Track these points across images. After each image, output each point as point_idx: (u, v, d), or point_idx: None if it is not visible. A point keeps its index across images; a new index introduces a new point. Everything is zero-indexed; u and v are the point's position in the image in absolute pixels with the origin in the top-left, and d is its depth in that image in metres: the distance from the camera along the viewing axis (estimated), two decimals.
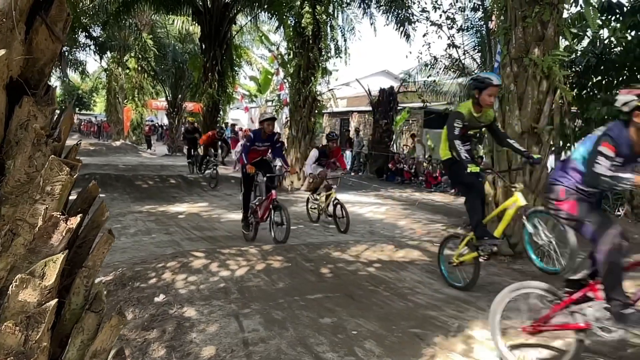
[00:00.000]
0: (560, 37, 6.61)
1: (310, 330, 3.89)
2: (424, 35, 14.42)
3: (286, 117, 15.14)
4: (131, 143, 30.57)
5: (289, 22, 15.06)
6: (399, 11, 15.56)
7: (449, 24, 13.46)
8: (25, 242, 1.47)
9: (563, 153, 11.00)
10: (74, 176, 1.54)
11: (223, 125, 21.02)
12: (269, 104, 21.34)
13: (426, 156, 18.93)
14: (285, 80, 15.65)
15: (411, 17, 15.35)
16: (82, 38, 21.49)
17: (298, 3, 13.78)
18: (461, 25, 14.06)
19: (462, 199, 13.79)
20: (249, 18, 21.33)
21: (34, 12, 1.58)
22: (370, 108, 21.28)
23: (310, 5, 13.19)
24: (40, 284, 1.41)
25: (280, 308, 4.35)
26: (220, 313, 4.18)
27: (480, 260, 5.14)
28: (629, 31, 10.09)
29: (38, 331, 1.41)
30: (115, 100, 32.04)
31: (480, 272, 5.06)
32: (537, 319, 3.36)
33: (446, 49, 14.07)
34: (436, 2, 13.32)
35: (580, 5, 8.11)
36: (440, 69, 16.27)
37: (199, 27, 19.70)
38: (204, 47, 19.32)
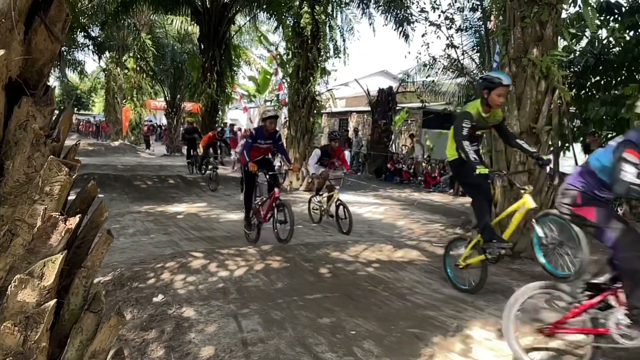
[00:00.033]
0: (559, 38, 6.63)
1: (309, 330, 3.89)
2: (423, 36, 14.53)
3: (285, 118, 15.13)
4: (130, 143, 30.56)
5: (287, 22, 15.07)
6: (398, 11, 15.57)
7: (448, 24, 13.45)
8: (24, 243, 1.47)
9: (562, 153, 11.03)
10: (73, 176, 1.54)
11: (223, 125, 20.99)
12: (268, 104, 21.31)
13: (425, 156, 18.94)
14: (284, 81, 15.65)
15: (410, 18, 15.35)
16: (80, 38, 21.50)
17: (297, 3, 13.78)
18: (460, 26, 14.06)
19: (460, 199, 13.80)
20: (248, 18, 21.37)
21: (33, 13, 1.58)
22: (369, 108, 21.29)
23: (309, 5, 13.19)
24: (39, 284, 1.41)
25: (279, 308, 4.36)
26: (219, 313, 4.18)
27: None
28: (627, 31, 10.11)
29: (37, 331, 1.41)
30: (114, 100, 32.04)
31: (487, 275, 4.96)
32: (553, 321, 3.32)
33: (445, 49, 14.05)
34: (435, 2, 13.33)
35: (579, 6, 8.14)
36: (439, 69, 16.28)
37: (198, 27, 19.73)
38: (202, 47, 19.33)
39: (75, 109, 50.52)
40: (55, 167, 1.48)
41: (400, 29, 15.69)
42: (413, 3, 15.14)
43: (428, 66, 16.41)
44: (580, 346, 3.37)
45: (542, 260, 4.34)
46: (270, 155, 8.01)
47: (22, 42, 1.55)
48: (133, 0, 17.21)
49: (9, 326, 1.37)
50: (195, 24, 20.90)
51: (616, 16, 9.99)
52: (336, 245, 6.80)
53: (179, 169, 17.71)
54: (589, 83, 11.16)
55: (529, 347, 3.47)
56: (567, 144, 11.36)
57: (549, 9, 6.13)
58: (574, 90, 10.49)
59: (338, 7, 15.27)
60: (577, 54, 11.16)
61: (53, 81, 26.05)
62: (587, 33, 10.91)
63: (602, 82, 10.96)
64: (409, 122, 22.78)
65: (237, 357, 3.43)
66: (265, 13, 18.45)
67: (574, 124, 11.87)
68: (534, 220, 4.41)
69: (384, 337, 3.82)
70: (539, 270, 5.70)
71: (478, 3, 13.08)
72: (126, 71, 29.34)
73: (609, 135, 11.41)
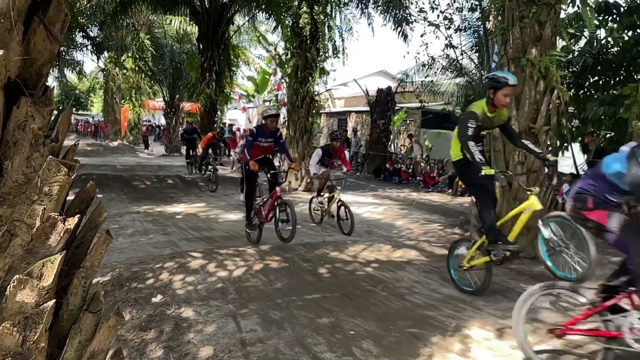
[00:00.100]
0: (558, 38, 6.64)
1: (308, 330, 3.89)
2: (422, 36, 14.52)
3: (284, 118, 15.13)
4: (128, 143, 30.52)
5: (286, 22, 15.06)
6: (397, 11, 15.56)
7: (447, 24, 13.48)
8: (23, 243, 1.47)
9: (560, 153, 11.04)
10: (72, 177, 1.54)
11: (222, 125, 20.97)
12: (267, 104, 21.32)
13: (424, 156, 18.95)
14: (283, 81, 15.66)
15: (409, 18, 15.36)
16: (79, 38, 21.44)
17: (296, 3, 13.78)
18: (459, 26, 14.10)
19: (459, 199, 13.79)
20: (247, 18, 21.37)
21: (32, 13, 1.58)
22: (367, 108, 21.30)
23: (308, 5, 13.20)
24: (38, 284, 1.41)
25: (278, 308, 4.36)
26: (217, 313, 4.18)
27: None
28: (625, 31, 10.13)
29: (36, 332, 1.40)
30: (113, 100, 31.98)
31: (492, 277, 4.93)
32: (565, 322, 3.30)
33: (444, 49, 14.09)
34: (434, 2, 13.35)
35: (578, 6, 8.15)
36: (437, 69, 16.30)
37: (197, 27, 19.73)
38: (201, 47, 19.32)
39: (74, 109, 50.43)
40: (54, 168, 1.48)
41: (399, 29, 15.70)
42: (412, 3, 15.15)
43: (427, 66, 16.42)
44: (591, 348, 3.35)
45: (548, 262, 4.29)
46: (270, 155, 7.96)
47: (21, 42, 1.55)
48: (132, 0, 17.20)
49: (8, 326, 1.37)
50: (194, 24, 20.89)
51: (614, 16, 10.01)
52: (335, 245, 6.80)
53: (177, 169, 17.70)
54: (587, 83, 11.18)
55: (538, 348, 3.46)
56: (565, 144, 11.37)
57: (548, 9, 6.14)
58: (572, 90, 10.50)
59: (337, 7, 15.29)
60: (575, 54, 11.18)
61: (52, 81, 25.90)
62: (586, 33, 10.93)
63: (601, 82, 10.97)
64: (408, 122, 22.79)
65: (236, 357, 3.43)
66: (264, 13, 18.45)
67: (572, 123, 11.88)
68: (540, 222, 4.36)
69: (383, 337, 3.82)
70: (537, 270, 5.72)
71: (477, 3, 13.10)
72: (125, 71, 29.30)
73: (608, 135, 11.44)
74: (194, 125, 19.39)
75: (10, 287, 1.39)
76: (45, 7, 1.62)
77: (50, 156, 1.50)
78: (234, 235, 7.81)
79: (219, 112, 20.89)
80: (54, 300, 1.44)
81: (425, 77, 17.71)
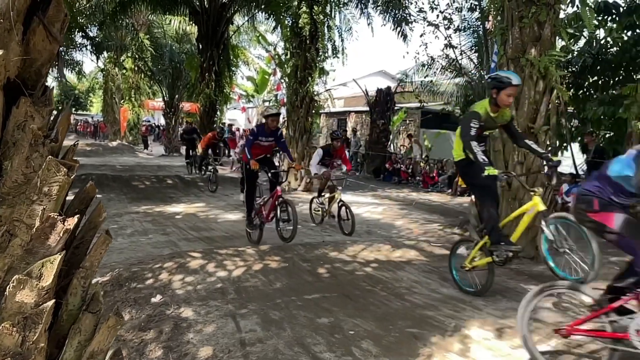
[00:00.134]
0: (557, 38, 6.64)
1: (307, 331, 3.89)
2: (421, 36, 14.50)
3: (283, 118, 15.14)
4: (128, 143, 30.52)
5: (286, 22, 15.06)
6: (396, 11, 15.58)
7: (446, 25, 13.53)
8: (23, 243, 1.47)
9: (560, 153, 11.05)
10: (72, 177, 1.54)
11: (221, 125, 20.97)
12: (266, 104, 21.33)
13: (423, 156, 18.96)
14: (283, 81, 15.67)
15: (408, 18, 15.38)
16: (78, 38, 21.44)
17: (295, 3, 13.79)
18: (458, 26, 14.14)
19: (458, 199, 13.79)
20: (246, 18, 21.37)
21: (32, 13, 1.58)
22: (367, 108, 21.30)
23: (307, 5, 13.21)
24: (37, 284, 1.41)
25: (277, 308, 4.36)
26: (217, 313, 4.18)
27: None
28: (625, 31, 10.16)
29: (35, 332, 1.40)
30: (112, 100, 31.98)
31: (494, 278, 4.90)
32: (570, 323, 3.29)
33: (443, 49, 14.14)
34: (433, 2, 13.37)
35: (577, 6, 8.16)
36: (437, 69, 16.33)
37: (196, 27, 19.74)
38: (201, 47, 19.33)
39: (73, 109, 50.39)
40: (53, 168, 1.48)
41: (398, 29, 15.71)
42: (411, 3, 15.20)
43: (426, 66, 16.45)
44: (597, 349, 3.34)
45: (550, 263, 4.28)
46: (269, 155, 7.93)
47: (20, 42, 1.55)
48: (131, 0, 17.20)
49: (8, 327, 1.37)
50: (193, 24, 20.90)
51: (614, 16, 10.04)
52: (335, 245, 6.80)
53: (177, 169, 17.69)
54: (586, 83, 11.20)
55: (543, 348, 3.45)
56: (565, 144, 11.39)
57: (547, 9, 6.15)
58: (572, 90, 10.52)
59: (336, 7, 15.29)
60: (575, 54, 11.20)
61: (51, 81, 25.94)
62: (585, 33, 10.95)
63: (600, 82, 11.00)
64: (407, 122, 22.80)
65: (236, 357, 3.43)
66: (263, 13, 18.46)
67: (572, 123, 11.91)
68: (543, 222, 4.34)
69: (383, 337, 3.82)
70: (537, 270, 5.72)
71: (476, 3, 13.13)
72: (124, 71, 29.32)
73: (607, 135, 11.46)
74: (194, 126, 19.37)
75: (9, 287, 1.39)
76: (44, 7, 1.62)
77: (50, 156, 1.50)
78: (233, 235, 7.81)
79: (218, 112, 20.90)
80: (53, 301, 1.44)
81: (425, 77, 17.74)
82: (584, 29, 10.59)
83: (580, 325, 3.25)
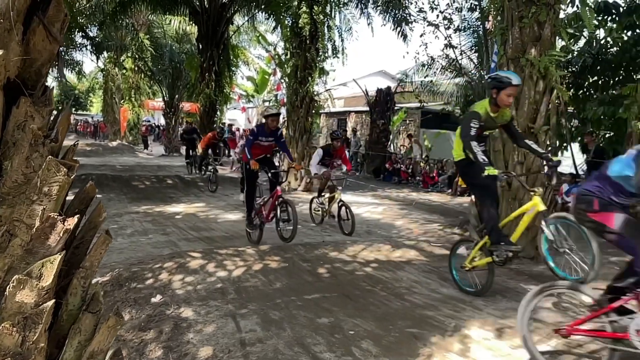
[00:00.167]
0: (557, 38, 6.64)
1: (307, 331, 3.90)
2: (421, 36, 14.50)
3: (283, 118, 15.14)
4: (128, 143, 30.53)
5: (286, 22, 15.06)
6: (396, 11, 15.58)
7: (446, 24, 13.52)
8: (23, 243, 1.47)
9: (560, 153, 11.05)
10: (72, 177, 1.54)
11: (221, 125, 20.97)
12: (266, 104, 21.32)
13: (423, 156, 18.97)
14: (283, 81, 15.67)
15: (408, 18, 15.38)
16: (78, 38, 21.45)
17: (295, 3, 13.79)
18: (458, 26, 14.14)
19: (458, 199, 13.79)
20: (246, 18, 21.36)
21: (32, 13, 1.58)
22: (367, 108, 21.31)
23: (307, 5, 13.21)
24: (37, 284, 1.41)
25: (277, 308, 4.36)
26: (217, 313, 4.18)
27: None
28: (625, 31, 10.16)
29: (35, 332, 1.41)
30: (112, 100, 31.99)
31: (494, 278, 4.89)
32: (570, 322, 3.29)
33: (443, 49, 14.13)
34: (433, 2, 13.37)
35: (577, 6, 8.16)
36: (437, 69, 16.33)
37: (196, 27, 19.73)
38: (201, 47, 19.32)
39: (73, 109, 50.40)
40: (53, 168, 1.48)
41: (398, 29, 15.71)
42: (411, 3, 15.19)
43: (426, 66, 16.45)
44: (597, 349, 3.33)
45: (550, 263, 4.27)
46: (270, 155, 7.92)
47: (20, 42, 1.55)
48: (131, 0, 17.20)
49: (8, 327, 1.37)
50: (193, 24, 20.90)
51: (614, 16, 10.04)
52: (334, 245, 6.80)
53: (177, 169, 17.69)
54: (586, 83, 11.21)
55: (543, 348, 3.44)
56: (565, 144, 11.39)
57: (547, 9, 6.15)
58: (572, 90, 10.52)
59: (336, 7, 15.29)
60: (575, 54, 11.20)
61: (51, 81, 25.92)
62: (585, 33, 10.95)
63: (600, 82, 11.00)
64: (407, 122, 22.81)
65: (236, 357, 3.43)
66: (263, 13, 18.46)
67: (572, 123, 11.91)
68: (543, 223, 4.34)
69: (383, 337, 3.82)
70: (537, 270, 5.73)
71: (476, 3, 13.13)
72: (124, 71, 29.32)
73: (607, 135, 11.46)
74: (194, 126, 19.37)
75: (9, 287, 1.39)
76: (44, 7, 1.62)
77: (50, 156, 1.50)
78: (233, 235, 7.81)
79: (218, 112, 20.90)
80: (53, 301, 1.44)
81: (425, 77, 17.74)
82: (584, 29, 10.59)
83: (580, 325, 3.25)
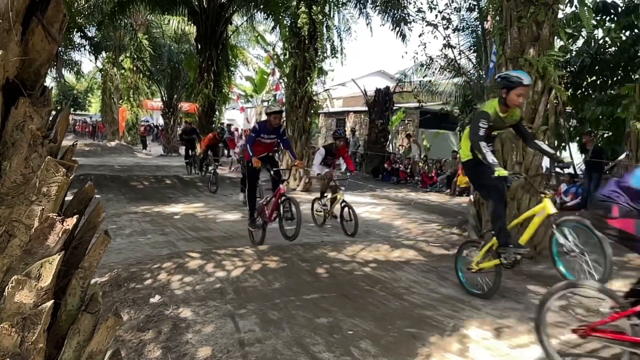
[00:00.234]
0: (555, 38, 6.64)
1: (306, 331, 3.90)
2: (420, 36, 14.50)
3: (282, 118, 15.13)
4: (126, 143, 30.53)
5: (285, 22, 15.07)
6: (395, 11, 15.57)
7: (445, 24, 13.53)
8: (21, 244, 1.47)
9: (558, 153, 11.07)
10: (70, 177, 1.54)
11: (221, 125, 20.96)
12: (265, 104, 21.33)
13: (422, 156, 18.98)
14: (281, 81, 15.68)
15: (407, 18, 15.37)
16: (77, 38, 21.45)
17: (294, 3, 13.80)
18: (457, 26, 14.14)
19: (457, 199, 13.78)
20: (245, 18, 21.35)
21: (30, 13, 1.58)
22: (366, 108, 21.32)
23: (306, 5, 13.21)
24: (36, 285, 1.41)
25: (276, 308, 4.36)
26: (216, 314, 4.18)
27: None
28: (623, 31, 10.18)
29: (34, 332, 1.41)
30: (111, 100, 31.99)
31: (501, 280, 4.84)
32: (589, 323, 3.25)
33: (442, 49, 14.15)
34: (432, 2, 13.38)
35: (575, 6, 8.17)
36: (436, 69, 16.34)
37: (195, 27, 19.69)
38: (199, 47, 19.30)
39: (72, 109, 50.32)
40: (52, 168, 1.48)
41: (397, 29, 15.69)
42: (410, 3, 15.20)
43: (425, 66, 16.46)
44: (615, 352, 3.30)
45: (560, 267, 4.25)
46: (272, 153, 7.84)
47: (19, 42, 1.55)
48: (130, 0, 17.18)
49: (7, 327, 1.37)
50: (192, 24, 20.85)
51: (612, 16, 10.06)
52: (333, 245, 6.80)
53: (175, 170, 17.69)
54: (585, 83, 11.23)
55: (560, 348, 3.42)
56: (563, 144, 11.41)
57: (546, 9, 6.15)
58: (570, 90, 10.55)
59: (335, 7, 15.28)
60: (573, 54, 11.22)
61: (50, 81, 25.89)
62: (584, 33, 10.97)
63: (598, 82, 11.02)
64: (406, 122, 22.82)
65: (235, 357, 3.43)
66: (262, 13, 18.45)
67: (570, 123, 11.93)
68: (553, 226, 4.30)
69: (381, 337, 3.82)
70: (536, 270, 5.74)
71: (475, 3, 13.14)
72: (123, 71, 29.31)
73: (605, 135, 11.48)
74: (193, 126, 19.36)
75: (8, 288, 1.39)
76: (43, 7, 1.62)
77: (49, 157, 1.50)
78: (232, 236, 7.81)
79: (217, 112, 20.88)
80: (52, 301, 1.44)
81: (424, 77, 17.76)
82: (583, 29, 10.60)
83: (599, 327, 3.19)
